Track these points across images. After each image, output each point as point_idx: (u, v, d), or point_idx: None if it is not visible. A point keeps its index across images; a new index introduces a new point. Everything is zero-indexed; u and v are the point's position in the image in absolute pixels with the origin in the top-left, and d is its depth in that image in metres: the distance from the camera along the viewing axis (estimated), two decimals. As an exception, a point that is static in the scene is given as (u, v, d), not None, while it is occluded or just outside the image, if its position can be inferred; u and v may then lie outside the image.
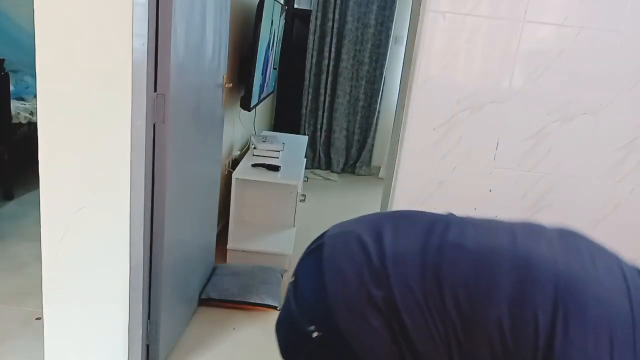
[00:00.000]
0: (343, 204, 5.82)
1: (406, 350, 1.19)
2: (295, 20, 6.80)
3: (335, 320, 1.22)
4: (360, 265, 1.26)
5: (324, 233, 1.42)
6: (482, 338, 1.15)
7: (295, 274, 1.39)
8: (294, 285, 1.36)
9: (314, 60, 6.69)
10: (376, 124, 6.91)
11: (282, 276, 3.77)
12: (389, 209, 2.59)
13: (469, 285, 1.18)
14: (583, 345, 1.09)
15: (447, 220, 1.35)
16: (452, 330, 1.17)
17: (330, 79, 6.72)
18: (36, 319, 2.97)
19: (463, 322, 1.16)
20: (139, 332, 2.55)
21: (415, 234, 1.31)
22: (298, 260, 1.44)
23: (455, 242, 1.26)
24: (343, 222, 1.44)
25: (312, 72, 6.74)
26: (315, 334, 1.24)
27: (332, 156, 6.98)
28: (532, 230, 1.33)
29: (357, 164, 7.01)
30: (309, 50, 6.65)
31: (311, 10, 6.53)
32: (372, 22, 6.45)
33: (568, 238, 1.30)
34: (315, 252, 1.36)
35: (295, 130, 6.82)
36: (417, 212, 1.46)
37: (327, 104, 6.82)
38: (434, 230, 1.30)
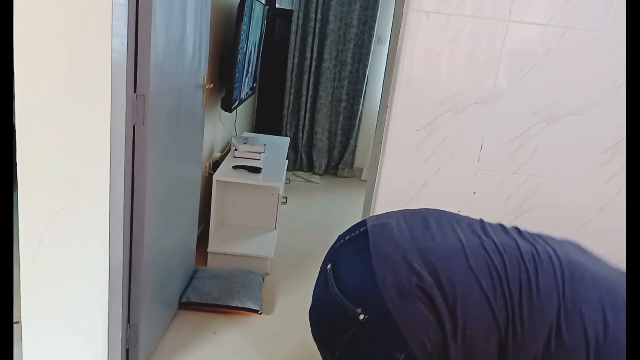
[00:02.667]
0: (325, 206, 5.79)
1: (451, 335, 1.29)
2: (277, 20, 6.77)
3: (385, 303, 1.30)
4: (408, 252, 1.37)
5: (360, 224, 1.54)
6: (542, 327, 1.27)
7: (334, 262, 1.48)
8: (334, 272, 1.44)
9: (296, 61, 6.66)
10: (359, 126, 6.90)
11: (263, 279, 3.74)
12: (372, 212, 2.57)
13: (530, 279, 1.30)
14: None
15: (474, 222, 1.54)
16: (513, 316, 1.28)
17: (312, 79, 6.69)
18: (14, 323, 2.92)
19: (529, 311, 1.28)
20: (118, 336, 2.53)
21: (454, 232, 1.46)
22: (330, 251, 1.56)
23: (499, 242, 1.41)
24: (379, 215, 1.58)
25: (294, 73, 6.71)
26: (362, 317, 1.33)
27: (314, 158, 6.95)
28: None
29: (339, 166, 6.99)
30: (291, 51, 6.62)
31: (293, 10, 6.51)
32: (355, 22, 6.43)
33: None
34: (357, 241, 1.48)
35: (277, 131, 6.80)
36: (444, 212, 1.61)
37: (309, 105, 6.79)
38: (475, 231, 1.47)
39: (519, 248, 1.38)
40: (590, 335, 1.22)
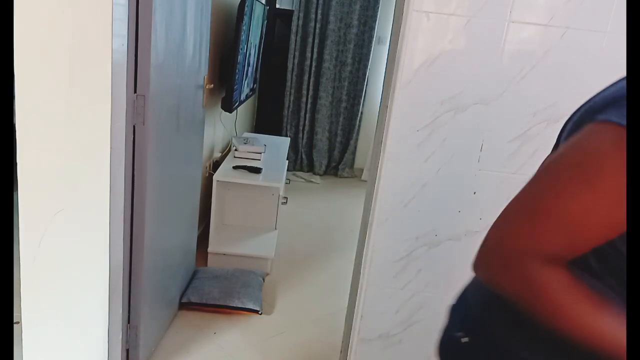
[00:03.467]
0: (325, 206, 5.79)
1: None
2: (277, 20, 6.76)
3: (477, 319, 1.25)
4: None
5: None
6: None
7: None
8: (451, 309, 1.40)
9: (296, 61, 6.65)
10: (359, 126, 6.89)
11: (263, 280, 3.74)
12: (372, 212, 2.57)
13: None
14: None
15: None
16: None
17: (312, 79, 6.69)
18: (14, 323, 2.92)
19: None
20: (118, 337, 2.52)
21: None
22: None
23: None
24: None
25: (294, 73, 6.70)
26: (464, 339, 1.26)
27: (314, 158, 6.95)
28: None
29: (339, 166, 6.99)
30: (291, 51, 6.62)
31: (293, 10, 6.50)
32: (355, 22, 6.43)
33: None
34: None
35: (277, 131, 6.78)
36: None
37: (309, 105, 6.79)
38: None
39: None
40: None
